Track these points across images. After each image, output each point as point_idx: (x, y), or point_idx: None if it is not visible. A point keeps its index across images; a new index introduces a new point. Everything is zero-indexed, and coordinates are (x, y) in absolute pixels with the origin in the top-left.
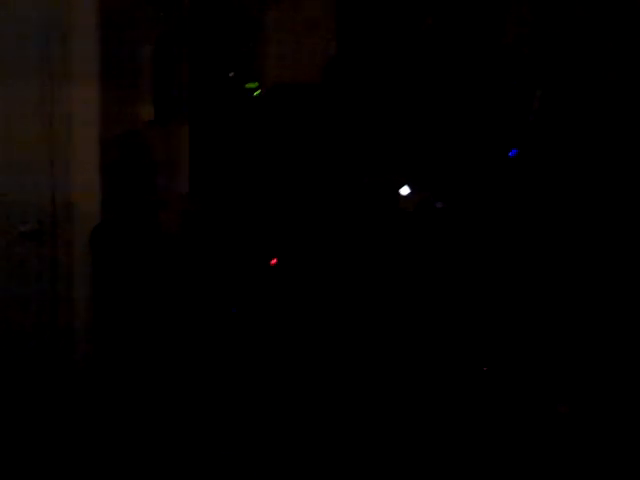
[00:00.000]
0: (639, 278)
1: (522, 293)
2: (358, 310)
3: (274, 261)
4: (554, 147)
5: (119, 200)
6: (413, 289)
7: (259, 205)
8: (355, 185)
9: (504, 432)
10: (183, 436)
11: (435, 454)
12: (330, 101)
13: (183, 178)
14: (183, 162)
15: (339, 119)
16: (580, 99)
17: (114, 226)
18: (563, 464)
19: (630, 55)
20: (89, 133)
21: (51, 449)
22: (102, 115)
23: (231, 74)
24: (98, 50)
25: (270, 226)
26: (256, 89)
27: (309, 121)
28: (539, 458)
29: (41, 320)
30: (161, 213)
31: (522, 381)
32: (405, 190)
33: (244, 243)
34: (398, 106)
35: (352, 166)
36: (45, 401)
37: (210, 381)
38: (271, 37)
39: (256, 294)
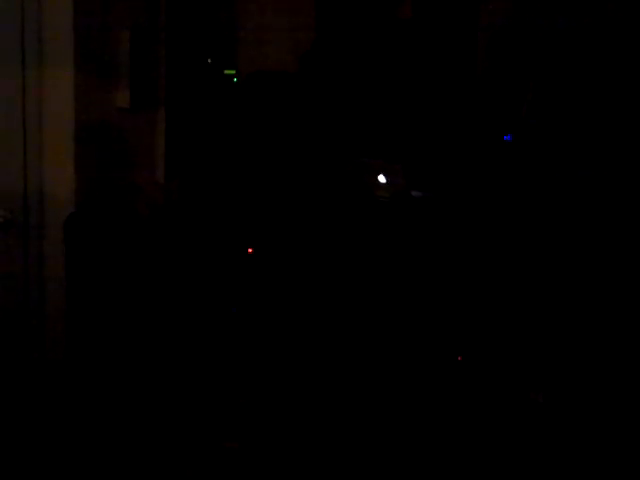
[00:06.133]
0: (618, 267)
1: (497, 281)
2: (333, 301)
3: (250, 250)
4: (543, 138)
5: (94, 188)
6: (389, 278)
7: (237, 193)
8: (333, 173)
9: (480, 421)
10: (160, 427)
11: (409, 440)
12: (308, 89)
13: (160, 166)
14: (160, 149)
15: (317, 107)
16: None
17: (89, 214)
18: (538, 452)
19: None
20: (63, 120)
21: (21, 434)
22: (77, 102)
23: (209, 60)
24: (73, 36)
25: (248, 214)
26: (234, 76)
27: (287, 108)
28: (515, 447)
29: (12, 307)
30: (138, 201)
31: (497, 369)
32: (382, 178)
33: (222, 232)
34: (376, 94)
35: (330, 154)
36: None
37: (188, 367)
38: (250, 23)
39: (234, 282)
